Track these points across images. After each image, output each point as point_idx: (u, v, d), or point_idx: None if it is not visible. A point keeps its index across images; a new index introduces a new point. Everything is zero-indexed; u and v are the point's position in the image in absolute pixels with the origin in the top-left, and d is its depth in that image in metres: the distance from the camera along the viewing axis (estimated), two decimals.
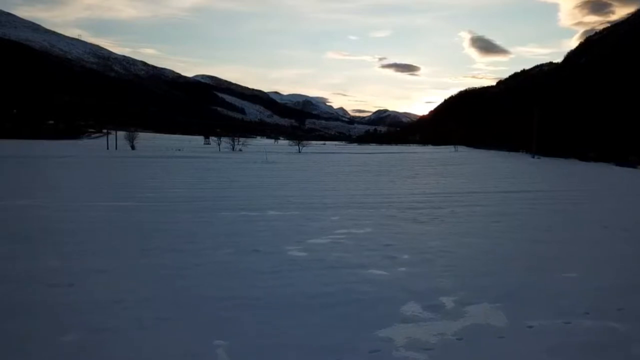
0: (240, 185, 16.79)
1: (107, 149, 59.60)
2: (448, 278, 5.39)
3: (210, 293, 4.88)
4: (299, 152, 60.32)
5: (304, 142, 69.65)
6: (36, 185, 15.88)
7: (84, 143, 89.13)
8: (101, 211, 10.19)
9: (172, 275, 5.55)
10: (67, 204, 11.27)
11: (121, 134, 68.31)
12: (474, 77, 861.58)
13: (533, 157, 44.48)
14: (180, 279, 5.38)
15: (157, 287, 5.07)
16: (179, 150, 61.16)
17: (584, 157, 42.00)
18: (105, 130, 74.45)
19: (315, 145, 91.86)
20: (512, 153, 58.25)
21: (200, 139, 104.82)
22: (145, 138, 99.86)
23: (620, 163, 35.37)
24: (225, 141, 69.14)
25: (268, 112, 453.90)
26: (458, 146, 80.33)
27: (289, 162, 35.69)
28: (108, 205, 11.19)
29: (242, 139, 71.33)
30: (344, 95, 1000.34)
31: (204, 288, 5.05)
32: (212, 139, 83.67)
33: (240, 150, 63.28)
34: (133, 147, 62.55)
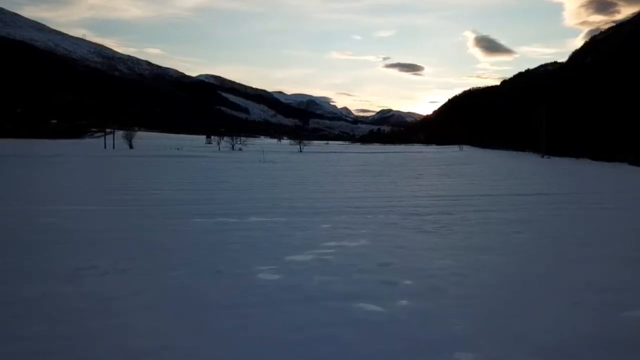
0: (228, 186, 15.39)
1: (105, 148, 58.50)
2: (465, 319, 3.92)
3: (130, 344, 3.46)
4: (300, 151, 58.98)
5: (306, 141, 68.26)
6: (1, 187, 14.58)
7: (84, 142, 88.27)
8: (54, 217, 8.79)
9: (93, 311, 4.13)
10: (20, 207, 9.91)
11: (122, 133, 67.28)
12: (478, 77, 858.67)
13: (542, 157, 42.83)
14: (99, 318, 3.95)
15: (65, 334, 3.65)
16: (178, 149, 59.98)
17: (595, 156, 40.38)
18: (108, 130, 73.41)
19: (317, 145, 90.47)
20: (519, 153, 56.59)
21: (202, 138, 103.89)
22: (146, 137, 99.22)
23: (633, 162, 33.90)
24: (226, 140, 68.16)
25: (272, 112, 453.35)
26: (463, 146, 78.62)
27: (288, 161, 34.28)
28: (68, 210, 9.80)
29: (242, 139, 70.27)
30: (348, 95, 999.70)
31: (125, 335, 3.62)
32: (214, 138, 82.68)
33: (240, 149, 62.05)
34: (131, 146, 61.40)
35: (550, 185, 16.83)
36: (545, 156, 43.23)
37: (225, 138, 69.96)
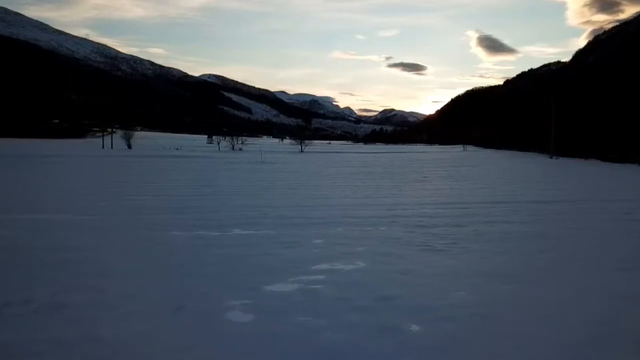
0: (217, 191, 14.29)
1: (103, 147, 57.58)
2: None
3: None
4: (301, 151, 57.96)
5: (307, 141, 67.12)
6: None
7: (84, 142, 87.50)
8: (7, 229, 7.72)
9: None
10: None
11: (120, 133, 66.45)
12: (481, 76, 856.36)
13: (551, 158, 41.57)
14: None
15: None
16: (177, 149, 59.07)
17: (604, 157, 39.13)
18: (110, 130, 72.55)
19: (319, 144, 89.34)
20: (525, 153, 55.35)
21: (205, 138, 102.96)
22: (148, 137, 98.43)
23: None
24: (227, 140, 67.23)
25: (275, 112, 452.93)
26: (467, 146, 77.33)
27: (286, 162, 33.18)
28: (30, 220, 8.72)
29: (242, 138, 69.34)
30: (351, 94, 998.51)
31: None
32: (216, 138, 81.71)
33: (240, 149, 61.08)
34: (130, 146, 60.47)
35: (567, 190, 15.63)
36: (554, 157, 41.97)
37: (227, 138, 69.00)
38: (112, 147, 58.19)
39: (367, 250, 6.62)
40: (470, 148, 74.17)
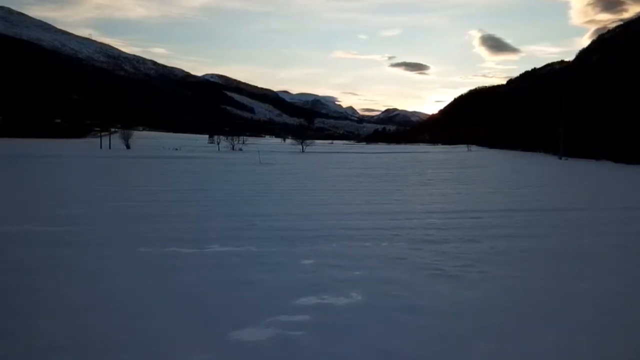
0: (206, 196, 13.18)
1: (101, 148, 56.66)
2: None
3: None
4: (302, 152, 56.89)
5: (309, 141, 65.96)
6: None
7: (84, 142, 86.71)
8: None
9: None
10: None
11: (118, 133, 65.61)
12: (484, 76, 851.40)
13: (560, 159, 40.26)
14: None
15: None
16: (177, 149, 58.18)
17: (616, 158, 37.80)
18: (112, 129, 71.74)
19: (321, 144, 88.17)
20: (531, 153, 54.04)
21: (206, 137, 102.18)
22: (148, 137, 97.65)
23: None
24: (227, 140, 66.35)
25: (277, 112, 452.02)
26: (471, 145, 75.97)
27: (286, 163, 32.06)
28: None
29: (242, 138, 68.41)
30: (353, 94, 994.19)
31: None
32: (217, 138, 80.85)
33: (240, 149, 60.10)
34: (128, 147, 59.58)
35: (587, 195, 14.39)
36: (563, 157, 40.66)
37: (227, 138, 68.12)
38: (110, 147, 57.30)
39: (366, 275, 5.49)
40: (473, 148, 72.92)
